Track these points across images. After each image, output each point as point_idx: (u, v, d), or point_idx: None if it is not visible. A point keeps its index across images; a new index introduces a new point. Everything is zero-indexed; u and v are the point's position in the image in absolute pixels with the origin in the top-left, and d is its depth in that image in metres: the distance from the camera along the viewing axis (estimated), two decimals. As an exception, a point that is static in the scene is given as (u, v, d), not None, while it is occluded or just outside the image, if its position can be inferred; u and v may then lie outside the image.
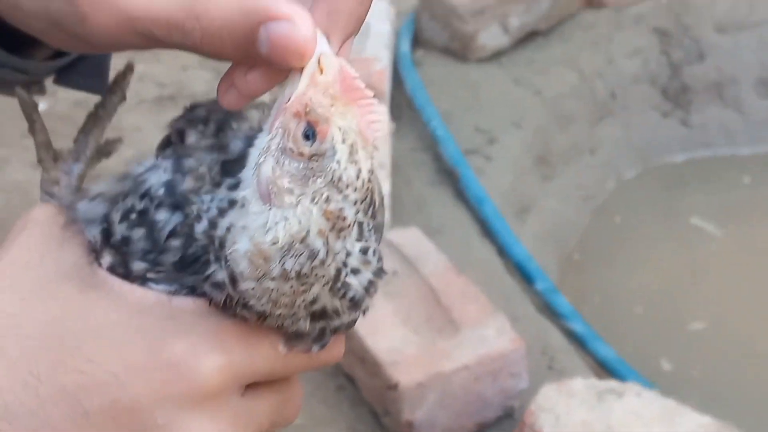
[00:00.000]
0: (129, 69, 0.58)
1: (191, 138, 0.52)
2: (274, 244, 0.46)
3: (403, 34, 2.23)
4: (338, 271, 0.48)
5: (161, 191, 0.50)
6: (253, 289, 0.47)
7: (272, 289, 0.47)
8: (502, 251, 1.82)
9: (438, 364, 1.37)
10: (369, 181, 0.47)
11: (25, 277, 0.49)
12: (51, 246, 0.51)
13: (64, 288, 0.49)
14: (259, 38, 0.46)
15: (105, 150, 0.61)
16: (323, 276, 0.47)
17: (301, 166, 0.46)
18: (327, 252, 0.46)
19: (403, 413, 1.36)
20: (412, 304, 1.47)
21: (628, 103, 2.28)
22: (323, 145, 0.46)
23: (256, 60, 0.48)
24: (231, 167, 0.50)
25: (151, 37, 0.49)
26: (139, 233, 0.50)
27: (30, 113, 0.61)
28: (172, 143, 0.53)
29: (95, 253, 0.51)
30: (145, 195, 0.50)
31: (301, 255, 0.46)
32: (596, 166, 2.23)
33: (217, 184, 0.50)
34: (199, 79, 2.21)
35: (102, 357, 0.47)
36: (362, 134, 0.47)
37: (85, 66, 0.65)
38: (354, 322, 0.53)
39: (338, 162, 0.46)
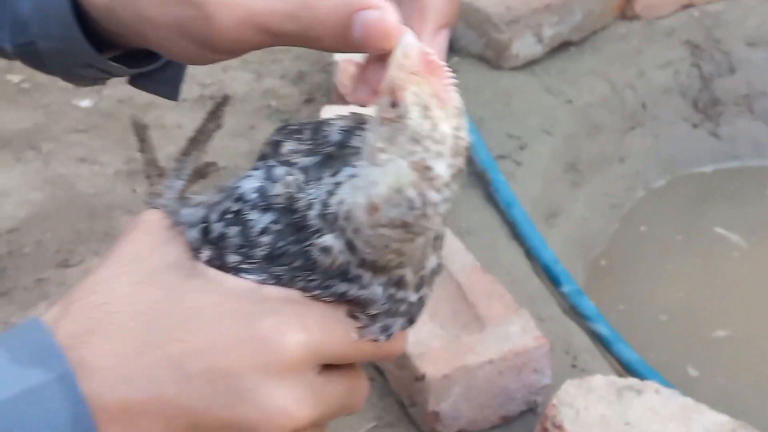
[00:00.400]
0: (226, 100, 0.65)
1: (287, 147, 0.60)
2: (379, 195, 0.54)
3: (438, 42, 2.28)
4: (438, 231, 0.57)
5: (253, 195, 0.58)
6: (368, 238, 0.55)
7: (384, 236, 0.55)
8: (530, 254, 1.86)
9: (463, 357, 1.42)
10: (454, 137, 0.54)
11: (136, 267, 0.57)
12: (158, 242, 0.59)
13: (170, 276, 0.57)
14: (353, 24, 0.56)
15: (202, 171, 0.70)
16: (428, 228, 0.55)
17: (389, 128, 0.54)
18: (424, 202, 0.53)
19: (429, 404, 1.41)
20: (439, 300, 1.52)
21: (658, 114, 2.32)
22: (401, 108, 0.54)
23: (350, 45, 0.57)
24: (332, 163, 0.58)
25: (266, 30, 0.58)
26: (234, 230, 0.58)
27: (142, 134, 0.69)
28: (266, 156, 0.61)
29: (195, 249, 0.59)
30: (239, 199, 0.58)
31: (401, 205, 0.54)
32: (625, 174, 2.27)
33: (318, 179, 0.58)
34: (239, 79, 2.28)
35: (201, 330, 0.55)
36: (438, 96, 0.55)
37: (162, 74, 0.73)
38: (414, 308, 0.61)
39: (413, 119, 0.54)
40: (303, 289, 0.58)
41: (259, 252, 0.58)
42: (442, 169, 0.54)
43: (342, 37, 0.57)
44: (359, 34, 0.56)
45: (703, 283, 2.10)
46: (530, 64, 2.26)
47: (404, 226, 0.54)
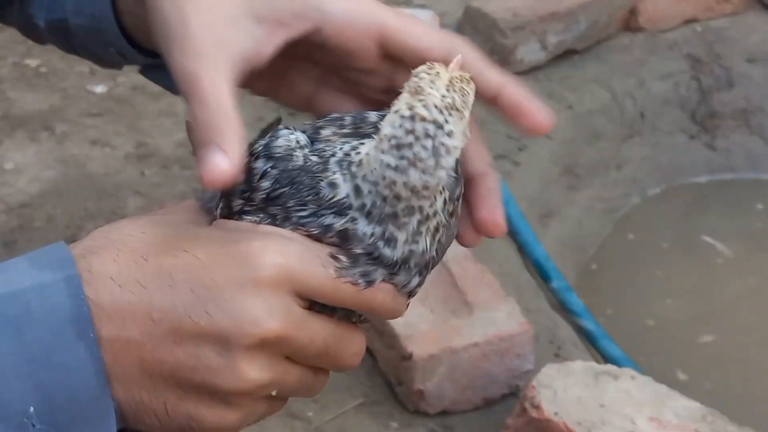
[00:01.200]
0: (277, 122, 0.73)
1: (327, 131, 0.67)
2: (383, 129, 0.62)
3: (445, 44, 2.34)
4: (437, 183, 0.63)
5: (260, 148, 0.66)
6: (374, 178, 0.63)
7: (386, 176, 0.62)
8: (522, 250, 1.92)
9: (450, 339, 1.47)
10: (451, 90, 0.63)
11: (160, 218, 0.66)
12: (187, 214, 0.68)
13: (184, 224, 0.66)
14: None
15: None
16: (426, 165, 0.62)
17: (406, 92, 0.63)
18: (415, 139, 0.61)
19: (415, 382, 1.46)
20: (431, 285, 1.58)
21: (656, 124, 2.38)
22: (414, 78, 0.63)
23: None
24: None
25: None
26: (240, 178, 0.65)
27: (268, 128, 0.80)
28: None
29: (213, 206, 0.68)
30: (250, 154, 0.66)
31: (397, 125, 0.62)
32: (621, 181, 2.33)
33: (345, 136, 0.67)
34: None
35: (194, 249, 0.62)
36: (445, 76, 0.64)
37: None
38: (400, 269, 0.65)
39: (418, 80, 0.63)
40: (294, 225, 0.64)
41: (259, 195, 0.65)
42: (433, 114, 0.61)
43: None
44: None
45: (690, 290, 2.16)
46: (534, 70, 2.32)
47: (398, 148, 0.61)
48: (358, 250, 0.64)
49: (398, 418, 1.49)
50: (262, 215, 0.65)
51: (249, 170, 0.66)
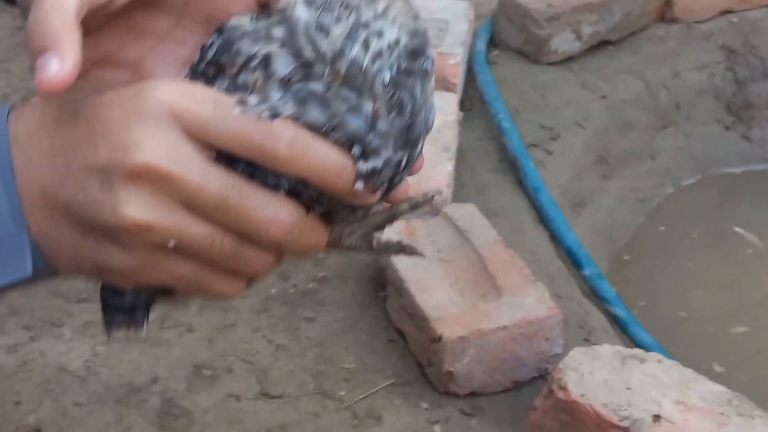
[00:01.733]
0: (430, 198, 0.76)
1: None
2: None
3: (480, 35, 2.37)
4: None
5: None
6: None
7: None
8: (554, 238, 1.94)
9: (479, 322, 1.50)
10: None
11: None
12: None
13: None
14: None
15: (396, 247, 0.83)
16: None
17: None
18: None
19: (444, 364, 1.49)
20: (461, 270, 1.61)
21: (691, 114, 2.38)
22: None
23: None
24: None
25: None
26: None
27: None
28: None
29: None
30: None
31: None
32: (655, 171, 2.33)
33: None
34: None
35: (105, 94, 0.64)
36: None
37: None
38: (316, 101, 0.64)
39: None
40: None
41: (203, 64, 0.68)
42: None
43: None
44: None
45: (722, 281, 2.16)
46: (568, 60, 2.33)
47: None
48: (282, 66, 0.64)
49: (428, 399, 1.51)
50: (191, 74, 0.69)
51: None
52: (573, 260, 1.91)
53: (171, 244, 0.61)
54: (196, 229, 0.62)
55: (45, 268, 0.65)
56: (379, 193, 0.67)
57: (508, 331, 1.50)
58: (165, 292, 0.70)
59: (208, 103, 0.62)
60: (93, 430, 1.45)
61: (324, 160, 0.63)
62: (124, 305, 0.73)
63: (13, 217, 0.62)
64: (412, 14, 0.67)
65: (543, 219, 1.95)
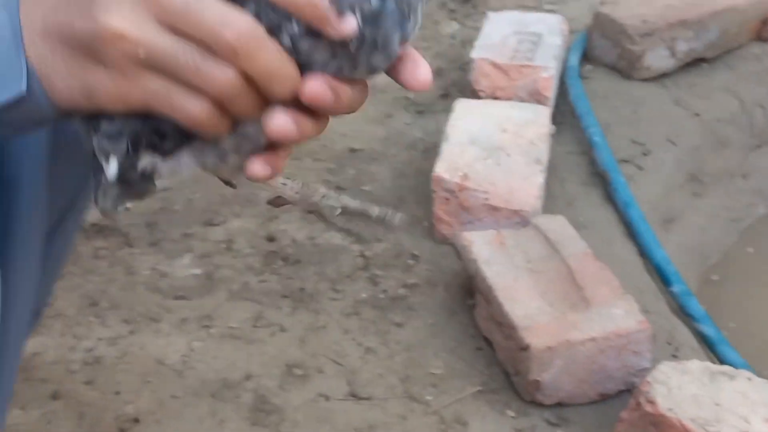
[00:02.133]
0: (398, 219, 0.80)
1: None
2: None
3: (574, 49, 2.38)
4: None
5: None
6: None
7: None
8: (643, 253, 1.94)
9: (567, 333, 1.51)
10: None
11: None
12: None
13: None
14: None
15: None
16: None
17: None
18: None
19: (531, 373, 1.50)
20: (550, 280, 1.62)
21: (786, 135, 2.36)
22: None
23: None
24: None
25: None
26: None
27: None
28: None
29: None
30: None
31: None
32: (747, 191, 2.31)
33: None
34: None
35: None
36: None
37: None
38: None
39: None
40: None
41: None
42: None
43: None
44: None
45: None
46: (661, 76, 2.33)
47: None
48: None
49: (514, 407, 1.53)
50: None
51: None
52: (662, 276, 1.90)
53: (142, 53, 0.67)
54: (163, 41, 0.67)
55: (42, 95, 0.71)
56: (350, 24, 0.68)
57: (597, 343, 1.51)
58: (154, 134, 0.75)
59: None
60: (188, 422, 1.50)
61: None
62: (111, 132, 0.75)
63: (14, 41, 0.69)
64: None
65: (632, 234, 1.96)
